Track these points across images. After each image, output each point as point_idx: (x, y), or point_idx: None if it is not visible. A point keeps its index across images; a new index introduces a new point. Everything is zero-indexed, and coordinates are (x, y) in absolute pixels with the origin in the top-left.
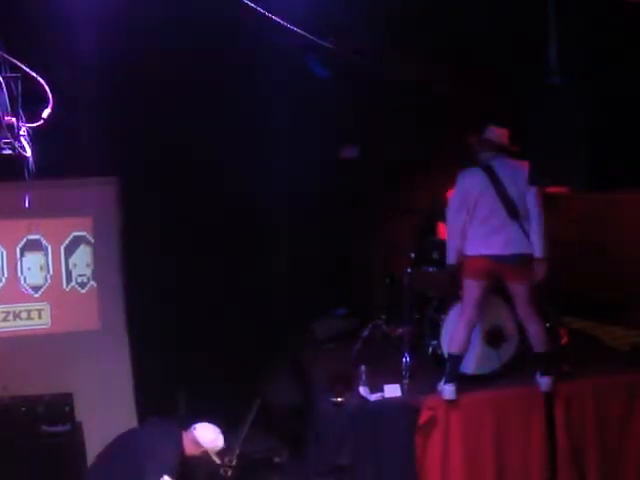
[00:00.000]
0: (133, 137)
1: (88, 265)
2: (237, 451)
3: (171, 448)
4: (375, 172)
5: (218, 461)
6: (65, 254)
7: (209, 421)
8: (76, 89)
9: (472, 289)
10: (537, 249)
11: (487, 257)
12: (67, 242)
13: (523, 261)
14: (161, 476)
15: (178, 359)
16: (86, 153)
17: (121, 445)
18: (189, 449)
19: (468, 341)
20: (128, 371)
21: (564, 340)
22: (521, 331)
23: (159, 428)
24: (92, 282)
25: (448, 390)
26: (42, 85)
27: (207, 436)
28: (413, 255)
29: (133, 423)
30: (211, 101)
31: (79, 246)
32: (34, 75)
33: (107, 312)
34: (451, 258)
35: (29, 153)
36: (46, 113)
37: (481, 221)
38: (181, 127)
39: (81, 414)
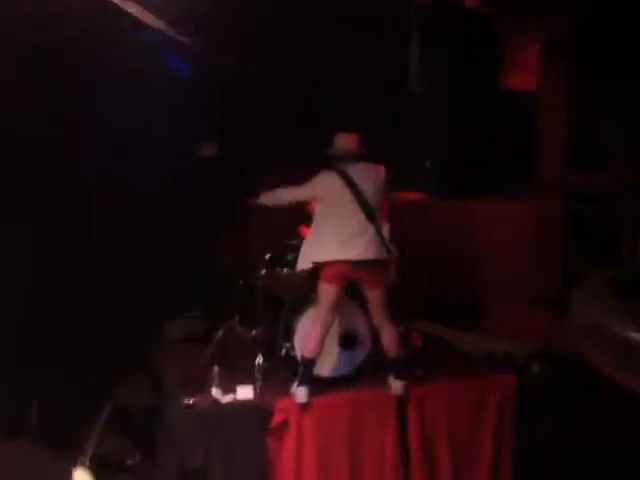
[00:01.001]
0: None
1: None
2: (89, 453)
3: None
4: (233, 171)
5: None
6: None
7: None
8: None
9: (327, 293)
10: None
11: (344, 262)
12: None
13: (379, 266)
14: None
15: (23, 361)
16: None
17: None
18: None
19: (322, 344)
20: None
21: (417, 344)
22: (375, 335)
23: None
24: None
25: (301, 393)
26: None
27: None
28: (268, 256)
29: None
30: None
31: None
32: None
33: None
34: (304, 262)
35: None
36: None
37: (338, 225)
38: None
39: None
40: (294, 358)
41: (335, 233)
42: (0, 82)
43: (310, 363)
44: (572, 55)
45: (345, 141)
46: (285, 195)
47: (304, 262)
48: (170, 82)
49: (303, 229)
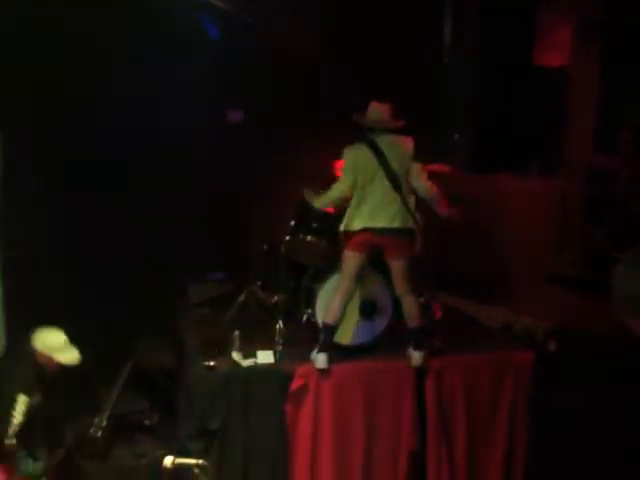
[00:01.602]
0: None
1: None
2: (108, 412)
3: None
4: (262, 137)
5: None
6: None
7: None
8: None
9: (351, 261)
10: (406, 222)
11: (370, 230)
12: None
13: (404, 236)
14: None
15: (53, 312)
16: None
17: None
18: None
19: (342, 312)
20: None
21: (438, 315)
22: (396, 305)
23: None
24: None
25: (321, 359)
26: None
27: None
28: (293, 223)
29: None
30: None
31: None
32: None
33: None
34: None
35: None
36: None
37: (366, 195)
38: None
39: None
40: (315, 324)
41: (363, 202)
42: None
43: (330, 330)
44: (604, 38)
45: (377, 110)
46: (334, 192)
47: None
48: (199, 45)
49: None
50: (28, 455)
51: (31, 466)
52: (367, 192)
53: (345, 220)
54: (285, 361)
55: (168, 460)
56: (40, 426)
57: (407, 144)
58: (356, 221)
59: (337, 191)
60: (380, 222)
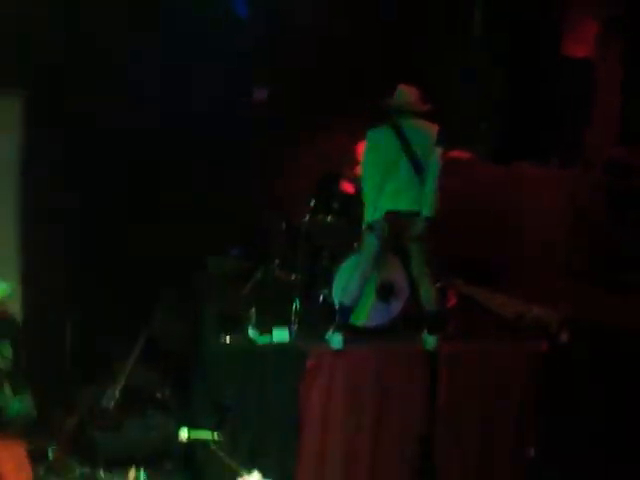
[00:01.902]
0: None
1: None
2: (121, 384)
3: None
4: (281, 116)
5: None
6: None
7: None
8: None
9: (371, 245)
10: (425, 207)
11: (393, 213)
12: None
13: (424, 220)
14: None
15: (68, 289)
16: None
17: None
18: None
19: (360, 293)
20: (16, 296)
21: (452, 302)
22: (412, 289)
23: None
24: None
25: (336, 340)
26: None
27: None
28: (313, 203)
29: None
30: (121, 32)
31: None
32: None
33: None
34: (373, 214)
35: None
36: None
37: (388, 178)
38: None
39: None
40: (331, 305)
41: (385, 185)
42: None
43: (347, 311)
44: (627, 33)
45: (405, 93)
46: (367, 175)
47: (372, 214)
48: (227, 25)
49: (345, 184)
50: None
51: (17, 405)
52: (389, 176)
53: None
54: (300, 340)
55: (184, 434)
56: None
57: (432, 130)
58: (381, 207)
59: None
60: (401, 205)
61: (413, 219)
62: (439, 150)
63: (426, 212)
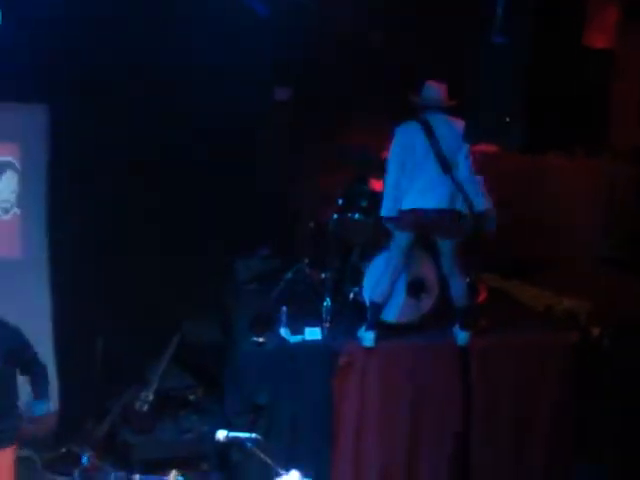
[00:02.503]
0: (69, 67)
1: (13, 192)
2: (154, 387)
3: None
4: (309, 115)
5: None
6: None
7: None
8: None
9: (402, 240)
10: (478, 203)
11: (420, 211)
12: None
13: (453, 216)
14: None
15: (99, 294)
16: (21, 78)
17: None
18: None
19: (391, 290)
20: (47, 302)
21: (482, 296)
22: (442, 285)
23: None
24: (16, 209)
25: (368, 337)
26: None
27: None
28: (341, 202)
29: (49, 355)
30: (144, 33)
31: (5, 172)
32: None
33: (29, 241)
34: (389, 210)
35: None
36: None
37: (416, 175)
38: (112, 62)
39: None
40: (361, 303)
41: (413, 182)
42: None
43: (378, 308)
44: None
45: (434, 89)
46: (391, 171)
47: (388, 208)
48: (247, 22)
49: (374, 182)
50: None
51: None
52: (417, 172)
53: (391, 199)
54: (332, 338)
55: (221, 434)
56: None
57: (458, 125)
58: (406, 200)
59: (391, 166)
60: (429, 202)
61: (442, 215)
62: (467, 146)
63: (480, 206)
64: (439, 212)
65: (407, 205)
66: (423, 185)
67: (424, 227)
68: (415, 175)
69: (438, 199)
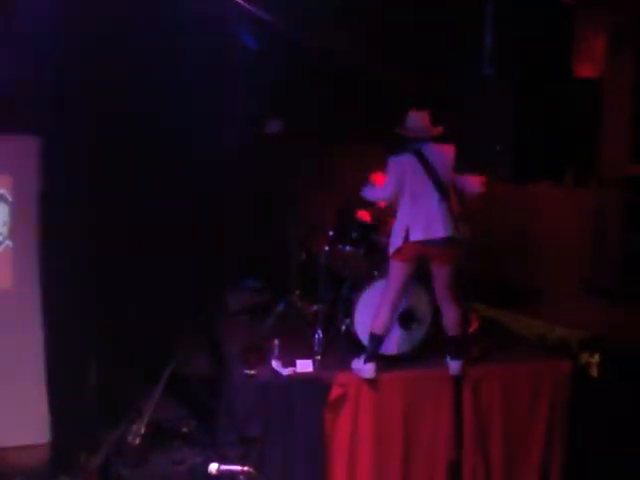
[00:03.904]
0: (60, 98)
1: (5, 224)
2: (146, 419)
3: None
4: (298, 148)
5: None
6: None
7: None
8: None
9: (400, 271)
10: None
11: (429, 242)
12: None
13: (451, 244)
14: None
15: (91, 325)
16: (12, 109)
17: None
18: None
19: (392, 321)
20: (38, 333)
21: (475, 326)
22: (434, 314)
23: None
24: (8, 241)
25: (368, 369)
26: None
27: None
28: (331, 233)
29: (40, 386)
30: (138, 65)
31: None
32: None
33: (20, 273)
34: (399, 242)
35: None
36: None
37: (419, 206)
38: (109, 94)
39: None
40: (353, 334)
41: (411, 212)
42: None
43: (379, 340)
44: (637, 49)
45: (418, 119)
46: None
47: (397, 241)
48: (238, 56)
49: (363, 213)
50: None
51: None
52: (420, 203)
53: (398, 233)
54: (324, 370)
55: (213, 467)
56: None
57: (449, 152)
58: (413, 232)
59: (381, 194)
60: (437, 233)
61: (442, 244)
62: (457, 173)
63: (454, 235)
64: (439, 241)
65: (415, 237)
66: (427, 216)
67: (421, 256)
68: (418, 206)
69: (443, 228)
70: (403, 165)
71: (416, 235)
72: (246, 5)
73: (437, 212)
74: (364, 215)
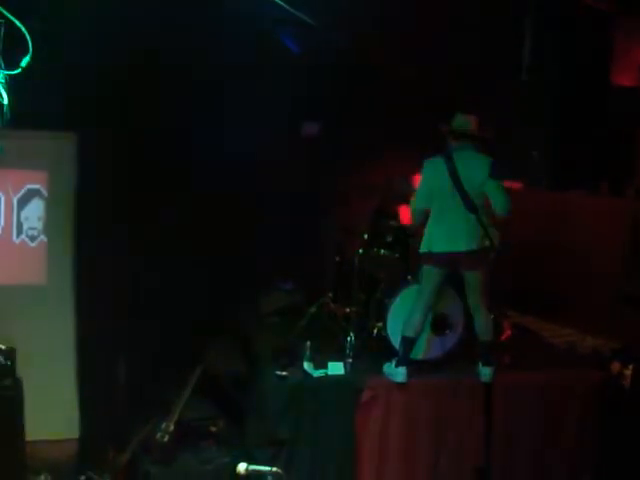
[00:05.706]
0: (99, 96)
1: (40, 219)
2: (175, 418)
3: None
4: (334, 150)
5: None
6: (18, 206)
7: None
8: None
9: (432, 276)
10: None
11: (453, 253)
12: (21, 194)
13: (481, 253)
14: None
15: (123, 323)
16: (51, 106)
17: None
18: None
19: (423, 325)
20: (70, 329)
21: (507, 333)
22: (467, 320)
23: None
24: (42, 236)
25: (400, 373)
26: (23, 33)
27: None
28: (366, 236)
29: (71, 382)
30: (175, 66)
31: (32, 199)
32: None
33: (55, 268)
34: (427, 244)
35: (6, 101)
36: (25, 62)
37: (444, 218)
38: (145, 93)
39: (19, 369)
40: (385, 338)
41: (440, 223)
42: None
43: (410, 343)
44: None
45: (464, 120)
46: (412, 205)
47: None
48: (279, 60)
49: (403, 211)
50: None
51: None
52: (445, 212)
53: (426, 239)
54: (355, 373)
55: (242, 467)
56: None
57: (484, 163)
58: (436, 243)
59: (414, 204)
60: (459, 245)
61: (471, 254)
62: (494, 183)
63: (484, 246)
64: (469, 253)
65: (438, 249)
66: (451, 229)
67: (453, 262)
68: (443, 218)
69: (467, 242)
70: (433, 171)
71: (439, 246)
72: (288, 7)
73: (462, 226)
74: (400, 219)
